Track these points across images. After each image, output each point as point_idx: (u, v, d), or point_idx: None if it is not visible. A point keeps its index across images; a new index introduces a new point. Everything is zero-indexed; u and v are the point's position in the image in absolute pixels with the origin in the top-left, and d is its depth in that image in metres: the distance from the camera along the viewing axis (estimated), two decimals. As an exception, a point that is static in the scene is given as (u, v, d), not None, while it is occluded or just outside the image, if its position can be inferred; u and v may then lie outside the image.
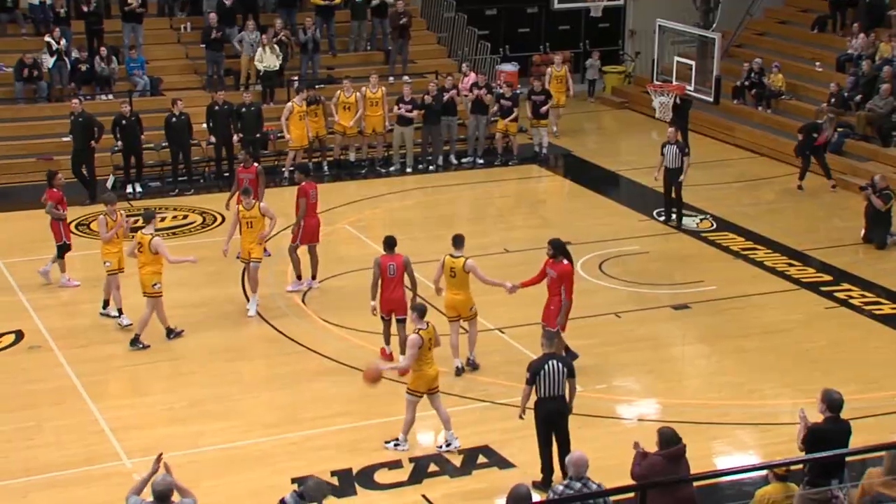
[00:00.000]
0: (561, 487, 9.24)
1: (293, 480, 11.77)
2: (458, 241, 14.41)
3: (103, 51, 23.48)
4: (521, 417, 11.88)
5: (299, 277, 16.84)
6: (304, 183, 16.76)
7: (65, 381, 14.09)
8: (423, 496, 11.81)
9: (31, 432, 12.88)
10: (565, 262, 14.05)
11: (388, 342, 14.57)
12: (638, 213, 20.91)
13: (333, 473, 12.09)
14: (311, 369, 14.50)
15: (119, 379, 14.21)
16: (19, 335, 15.31)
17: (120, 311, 15.61)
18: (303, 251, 16.84)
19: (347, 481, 12.02)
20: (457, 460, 12.48)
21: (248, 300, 16.17)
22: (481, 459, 12.52)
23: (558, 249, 14.09)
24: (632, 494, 9.21)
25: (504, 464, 12.42)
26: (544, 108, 23.89)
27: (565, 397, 11.73)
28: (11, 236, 19.21)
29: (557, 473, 11.74)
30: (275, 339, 15.41)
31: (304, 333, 15.40)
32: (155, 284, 14.75)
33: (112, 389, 13.92)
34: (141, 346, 14.81)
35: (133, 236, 15.54)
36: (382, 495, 11.89)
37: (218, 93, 21.86)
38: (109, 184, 21.39)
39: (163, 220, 19.87)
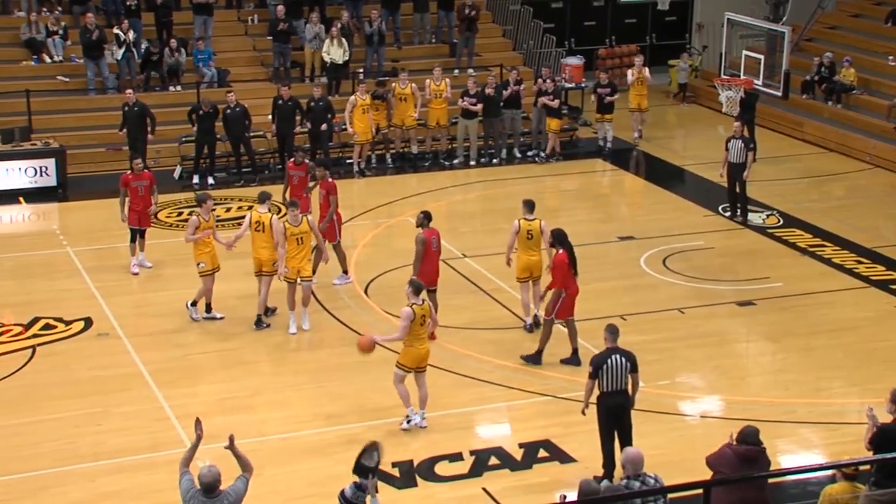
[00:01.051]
0: (620, 486, 9.16)
1: (354, 471, 11.82)
2: (529, 205, 15.26)
3: (173, 42, 23.77)
4: (583, 413, 11.85)
5: (346, 272, 16.79)
6: (329, 179, 16.52)
7: (132, 369, 14.30)
8: (484, 489, 11.81)
9: (99, 418, 13.10)
10: (561, 251, 14.29)
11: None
12: (703, 208, 20.71)
13: (394, 465, 12.14)
14: (373, 360, 14.52)
15: (184, 367, 14.38)
16: (88, 322, 15.57)
17: (209, 307, 15.51)
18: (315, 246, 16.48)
19: (408, 473, 12.06)
20: (518, 454, 12.46)
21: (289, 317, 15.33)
22: (542, 453, 12.49)
23: (557, 239, 14.41)
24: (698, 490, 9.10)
25: (565, 458, 12.38)
26: (609, 99, 23.68)
27: (628, 392, 11.67)
28: (82, 225, 19.55)
29: (619, 469, 11.68)
30: (338, 329, 15.49)
31: (367, 324, 15.44)
32: (274, 263, 14.91)
33: (177, 377, 14.08)
34: (265, 325, 15.20)
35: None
36: (443, 487, 11.91)
37: (282, 88, 21.97)
38: (177, 174, 21.67)
39: (228, 210, 20.10)
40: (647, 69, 24.76)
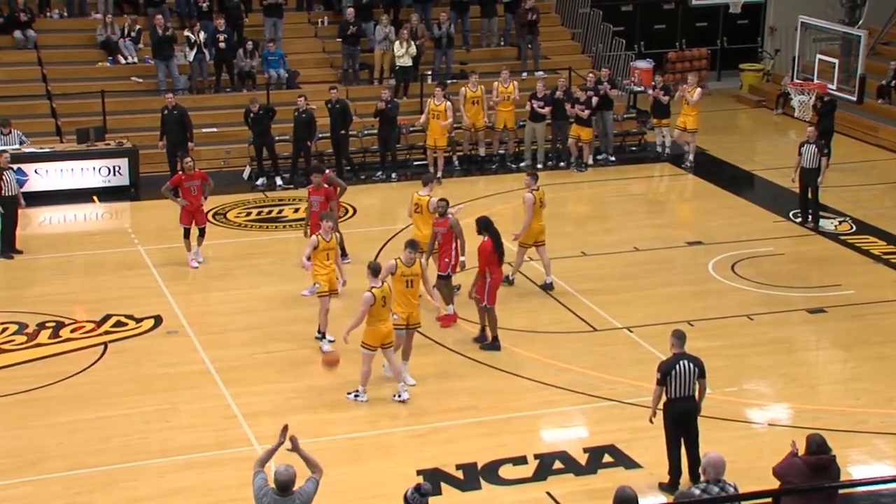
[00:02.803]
0: (697, 491, 9.05)
1: (419, 472, 11.87)
2: (534, 177, 16.45)
3: (249, 45, 23.98)
4: (651, 421, 11.75)
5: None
6: (325, 186, 16.29)
7: (199, 366, 14.48)
8: (548, 493, 11.77)
9: (168, 414, 13.28)
10: (486, 238, 14.65)
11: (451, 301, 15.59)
12: (773, 213, 20.44)
13: (458, 467, 12.14)
14: (437, 362, 14.58)
15: (251, 366, 14.51)
16: (158, 320, 15.80)
17: (323, 335, 14.85)
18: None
19: (472, 475, 12.05)
20: (582, 459, 12.40)
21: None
22: (607, 458, 12.41)
23: (482, 226, 14.87)
24: (767, 499, 8.99)
25: (630, 464, 12.29)
26: (666, 98, 23.38)
27: (695, 397, 11.57)
28: (154, 224, 19.83)
29: (685, 476, 11.58)
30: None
31: (431, 327, 15.47)
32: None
33: (244, 375, 14.22)
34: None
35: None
36: (507, 490, 11.88)
37: (332, 90, 22.00)
38: (246, 174, 21.89)
39: (296, 210, 20.26)
40: (698, 90, 22.87)
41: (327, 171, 17.65)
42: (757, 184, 22.63)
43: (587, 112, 22.54)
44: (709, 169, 23.38)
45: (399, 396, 13.51)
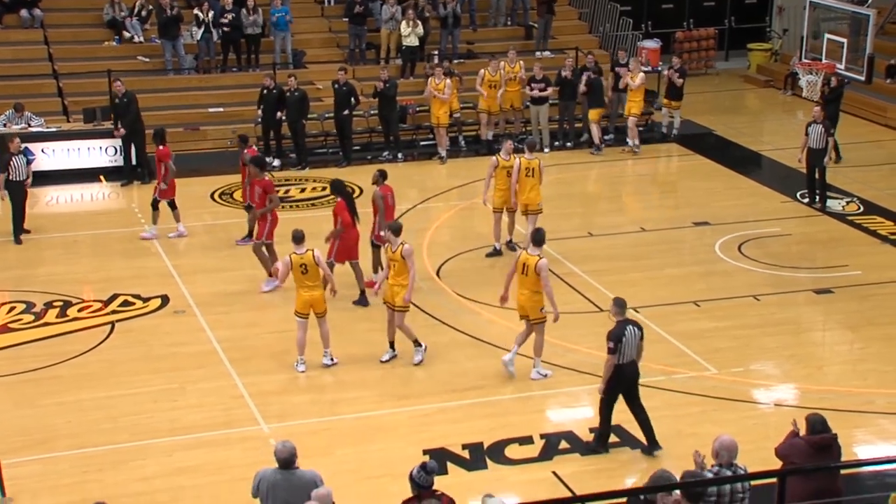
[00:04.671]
0: (710, 475, 9.05)
1: (425, 452, 11.90)
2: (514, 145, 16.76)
3: (250, 2, 23.73)
4: (601, 392, 12.00)
5: (270, 274, 15.98)
6: (264, 178, 16.26)
7: (207, 346, 14.51)
8: (554, 473, 11.79)
9: (176, 394, 13.32)
10: (339, 200, 15.33)
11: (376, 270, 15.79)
12: (780, 194, 20.40)
13: (465, 447, 12.17)
14: (445, 343, 14.60)
15: (258, 346, 14.54)
16: (165, 299, 15.83)
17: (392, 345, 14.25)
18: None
19: (478, 455, 12.09)
20: (588, 439, 12.41)
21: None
22: (613, 438, 12.42)
23: (334, 188, 15.65)
24: (773, 479, 9.00)
25: (635, 444, 12.30)
26: (681, 80, 23.29)
27: (636, 362, 11.93)
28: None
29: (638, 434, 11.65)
30: (410, 312, 15.52)
31: (439, 307, 15.49)
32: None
33: (251, 355, 14.25)
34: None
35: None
36: (513, 470, 11.91)
37: (339, 71, 21.94)
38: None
39: (302, 191, 20.27)
40: (640, 75, 22.47)
41: (246, 150, 17.56)
42: (764, 164, 22.58)
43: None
44: (716, 149, 23.33)
45: (299, 366, 13.82)
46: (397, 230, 13.71)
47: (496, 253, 17.20)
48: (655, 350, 14.40)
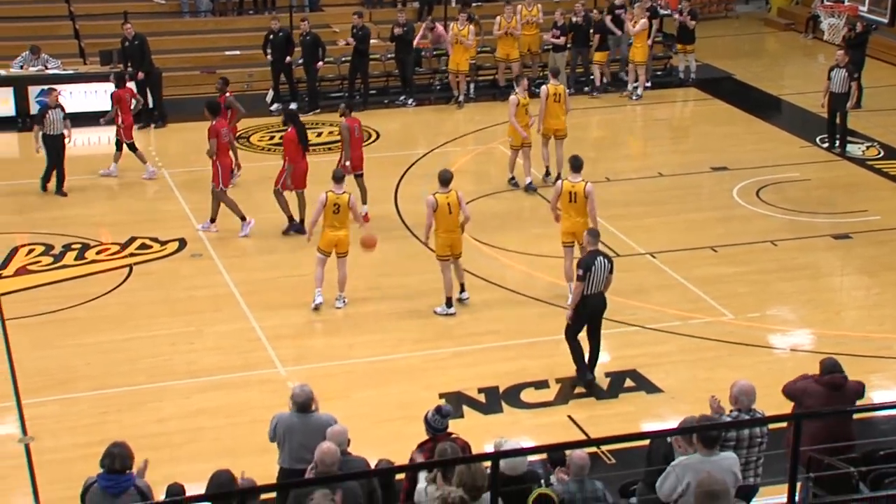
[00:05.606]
0: (728, 420, 9.07)
1: (441, 395, 11.97)
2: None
3: None
4: (569, 319, 12.21)
5: (212, 220, 16.23)
6: (214, 122, 16.08)
7: (224, 289, 14.57)
8: (569, 417, 11.85)
9: (193, 337, 13.41)
10: (290, 128, 15.68)
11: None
12: (800, 139, 20.24)
13: (480, 390, 12.24)
14: (457, 289, 14.61)
15: (275, 289, 14.59)
16: (182, 243, 15.88)
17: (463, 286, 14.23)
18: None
19: (494, 399, 12.15)
20: (604, 383, 12.46)
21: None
22: (628, 383, 12.47)
23: (288, 117, 16.19)
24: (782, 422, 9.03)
25: (651, 388, 12.35)
26: (693, 23, 23.01)
27: (604, 294, 12.12)
28: (177, 147, 19.85)
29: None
30: (426, 256, 15.55)
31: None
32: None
33: (268, 299, 14.30)
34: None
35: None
36: (528, 414, 11.98)
37: (354, 15, 21.76)
38: (268, 98, 21.78)
39: (319, 135, 20.21)
40: (642, 20, 22.00)
41: (228, 93, 17.60)
42: (784, 109, 22.38)
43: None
44: (735, 94, 23.12)
45: (315, 302, 13.91)
46: (447, 181, 13.56)
47: (514, 182, 17.71)
48: (671, 295, 14.41)
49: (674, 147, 20.62)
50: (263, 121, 20.72)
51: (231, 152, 16.53)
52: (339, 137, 20.07)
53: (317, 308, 13.90)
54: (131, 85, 19.35)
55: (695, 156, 19.65)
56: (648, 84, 22.92)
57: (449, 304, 13.83)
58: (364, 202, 16.34)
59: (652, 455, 8.89)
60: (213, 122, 16.05)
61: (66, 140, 17.51)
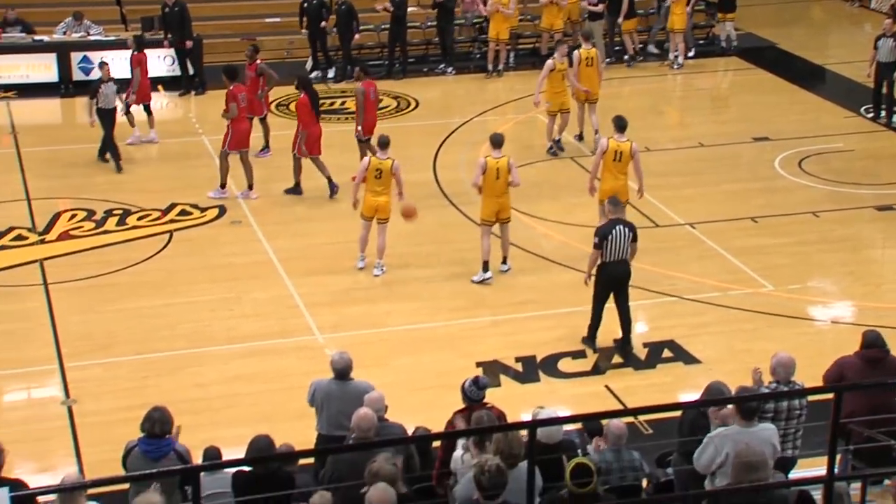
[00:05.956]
0: (767, 391, 9.02)
1: (478, 364, 11.99)
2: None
3: None
4: (586, 283, 12.24)
5: (222, 186, 16.30)
6: (232, 87, 16.18)
7: (263, 257, 14.64)
8: (607, 387, 11.84)
9: (232, 303, 13.50)
10: (303, 94, 15.88)
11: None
12: (844, 109, 19.97)
13: (518, 359, 12.25)
14: (500, 256, 14.59)
15: (313, 256, 14.64)
16: (222, 210, 15.96)
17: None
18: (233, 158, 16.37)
19: (531, 368, 12.16)
20: (642, 353, 12.43)
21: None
22: (666, 353, 12.44)
23: (301, 83, 16.16)
24: (828, 396, 8.96)
25: (689, 359, 12.30)
26: None
27: (628, 261, 12.05)
28: (217, 113, 19.82)
29: (614, 330, 12.28)
30: (463, 225, 15.55)
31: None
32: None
33: (306, 266, 14.35)
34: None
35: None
36: (565, 384, 11.98)
37: None
38: (308, 66, 21.77)
39: (343, 103, 20.12)
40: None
41: (258, 60, 17.61)
42: (829, 78, 22.09)
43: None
44: (779, 63, 22.83)
45: (359, 265, 14.12)
46: (499, 143, 13.62)
47: (558, 148, 17.74)
48: (710, 266, 14.33)
49: (715, 117, 20.43)
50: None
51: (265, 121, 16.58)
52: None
53: (362, 269, 14.00)
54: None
55: (736, 126, 19.46)
56: (692, 53, 22.69)
57: (485, 268, 13.83)
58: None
59: (683, 425, 8.88)
60: (231, 87, 16.19)
61: (119, 113, 17.44)
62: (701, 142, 18.52)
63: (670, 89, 21.82)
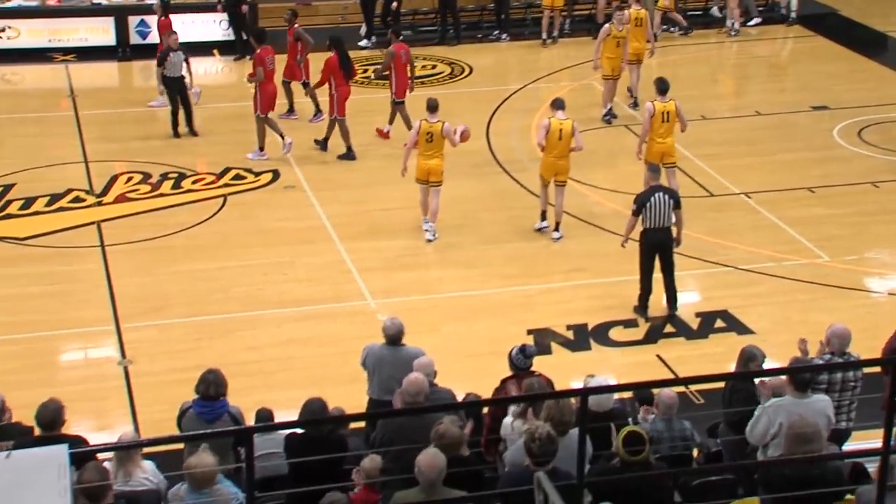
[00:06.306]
0: (820, 363, 8.95)
1: (529, 332, 11.99)
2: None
3: None
4: (623, 246, 12.32)
5: (260, 149, 16.47)
6: (259, 49, 16.23)
7: (316, 222, 14.71)
8: (658, 356, 11.79)
9: (285, 267, 13.59)
10: (333, 53, 16.03)
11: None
12: (906, 77, 19.62)
13: (569, 327, 12.23)
14: (551, 223, 14.55)
15: (366, 222, 14.68)
16: (276, 174, 16.05)
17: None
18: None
19: (582, 336, 12.14)
20: (694, 323, 12.36)
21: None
22: (719, 324, 12.35)
23: (332, 42, 16.27)
24: (879, 369, 8.87)
25: (742, 329, 12.22)
26: None
27: (671, 229, 12.03)
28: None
29: (660, 301, 12.23)
30: (516, 192, 15.52)
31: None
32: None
33: (359, 232, 14.40)
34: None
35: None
36: (616, 352, 11.95)
37: None
38: (362, 32, 21.75)
39: (421, 68, 20.15)
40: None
41: (297, 25, 17.65)
42: (891, 46, 21.67)
43: None
44: (839, 30, 22.42)
45: (429, 233, 14.12)
46: (562, 106, 13.80)
47: (611, 115, 17.62)
48: (765, 236, 14.19)
49: (772, 85, 20.14)
50: (356, 54, 20.60)
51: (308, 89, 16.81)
52: (430, 71, 20.15)
53: (426, 233, 14.12)
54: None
55: (794, 95, 19.18)
56: (755, 22, 22.32)
57: (543, 217, 14.20)
58: (390, 122, 16.84)
59: (725, 394, 8.84)
60: (259, 50, 16.25)
61: (187, 83, 17.20)
62: (758, 110, 18.29)
63: (727, 57, 21.55)
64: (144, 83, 18.59)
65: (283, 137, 16.32)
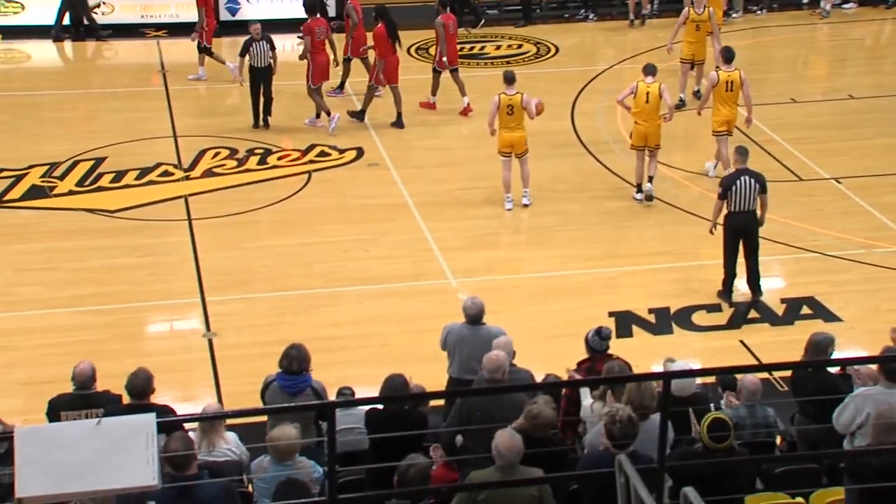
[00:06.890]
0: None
1: (610, 314, 11.91)
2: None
3: None
4: (711, 231, 12.19)
5: (317, 115, 16.79)
6: (310, 20, 16.46)
7: (398, 199, 14.76)
8: (741, 342, 11.64)
9: (367, 244, 13.67)
10: (380, 24, 16.16)
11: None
12: None
13: (651, 311, 12.13)
14: (633, 206, 14.43)
15: (448, 201, 14.68)
16: (360, 152, 16.14)
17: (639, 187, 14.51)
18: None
19: (664, 320, 12.03)
20: (779, 309, 12.17)
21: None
22: (805, 310, 12.15)
23: (378, 13, 16.33)
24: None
25: (829, 316, 12.00)
26: None
27: (756, 212, 11.88)
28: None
29: (744, 286, 12.16)
30: (600, 173, 15.41)
31: (629, 170, 15.21)
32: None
33: (441, 210, 14.42)
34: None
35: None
36: (698, 336, 11.83)
37: None
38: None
39: (498, 48, 20.09)
40: None
41: (349, 1, 17.65)
42: None
43: None
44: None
45: (507, 204, 14.28)
46: (653, 72, 14.08)
47: (681, 104, 17.19)
48: (855, 222, 13.90)
49: (867, 68, 19.67)
50: (413, 33, 20.44)
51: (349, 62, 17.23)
52: (516, 51, 20.08)
53: (510, 210, 14.19)
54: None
55: (890, 78, 18.71)
56: (854, 3, 21.82)
57: (639, 189, 14.29)
58: (463, 94, 17.02)
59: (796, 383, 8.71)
60: (309, 21, 16.46)
61: (273, 72, 16.87)
62: (851, 94, 17.89)
63: (819, 39, 21.08)
64: (237, 77, 18.21)
65: (328, 114, 16.48)
